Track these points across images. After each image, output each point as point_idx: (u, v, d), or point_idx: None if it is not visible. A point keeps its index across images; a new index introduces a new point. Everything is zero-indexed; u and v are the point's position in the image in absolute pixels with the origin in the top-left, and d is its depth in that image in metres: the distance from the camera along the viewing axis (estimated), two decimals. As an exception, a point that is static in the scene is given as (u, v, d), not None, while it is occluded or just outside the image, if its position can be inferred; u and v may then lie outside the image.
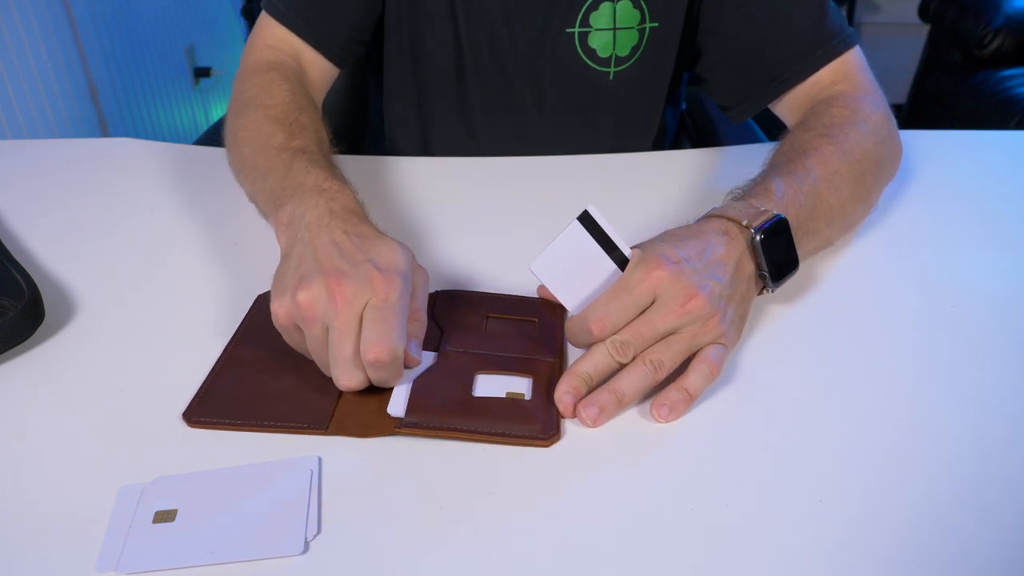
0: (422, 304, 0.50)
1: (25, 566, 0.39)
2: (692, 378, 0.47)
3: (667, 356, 0.47)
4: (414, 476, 0.44)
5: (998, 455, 0.45)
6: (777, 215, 0.52)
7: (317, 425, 0.46)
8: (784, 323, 0.56)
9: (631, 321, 0.47)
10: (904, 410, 0.48)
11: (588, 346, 0.48)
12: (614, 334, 0.47)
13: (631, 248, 0.49)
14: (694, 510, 0.41)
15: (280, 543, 0.39)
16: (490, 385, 0.49)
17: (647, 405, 0.48)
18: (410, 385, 0.48)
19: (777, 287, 0.54)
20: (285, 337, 0.49)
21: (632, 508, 0.42)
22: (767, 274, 0.52)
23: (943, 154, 0.80)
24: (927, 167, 0.77)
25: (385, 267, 0.47)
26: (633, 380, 0.47)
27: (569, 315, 0.50)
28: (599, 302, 0.48)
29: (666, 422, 0.47)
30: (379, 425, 0.46)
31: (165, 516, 0.41)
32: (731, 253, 0.50)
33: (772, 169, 0.60)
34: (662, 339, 0.48)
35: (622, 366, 0.48)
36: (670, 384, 0.48)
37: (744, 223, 0.52)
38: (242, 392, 0.49)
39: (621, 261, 0.49)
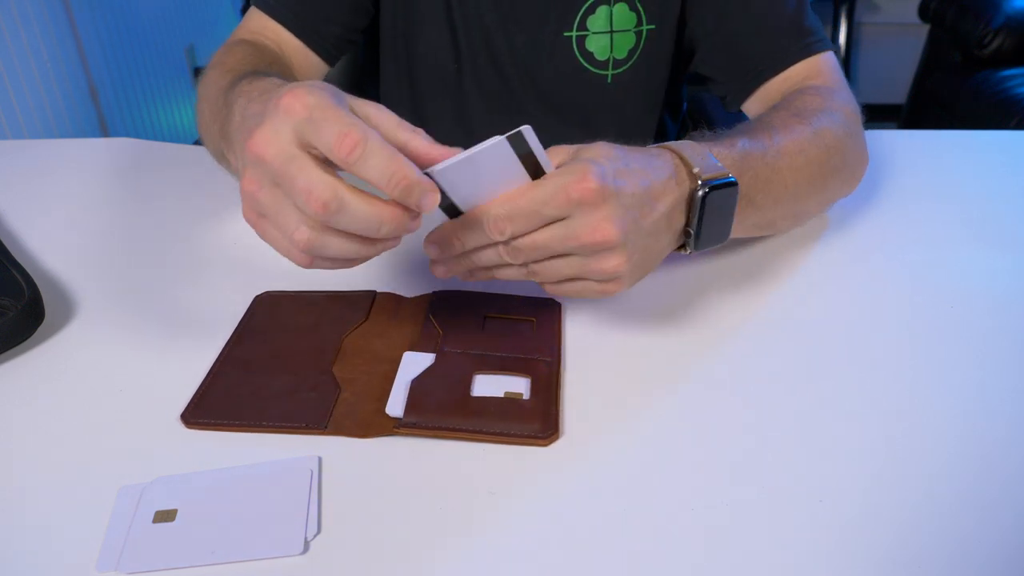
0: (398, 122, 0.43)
1: (25, 566, 0.39)
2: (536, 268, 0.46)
3: (548, 274, 0.45)
4: (414, 476, 0.44)
5: (998, 455, 0.45)
6: (731, 178, 0.48)
7: (315, 425, 0.46)
8: (783, 323, 0.56)
9: (535, 230, 0.44)
10: (904, 410, 0.48)
11: (471, 245, 0.46)
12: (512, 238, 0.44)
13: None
14: (694, 510, 0.41)
15: (280, 543, 0.39)
16: (488, 385, 0.49)
17: (647, 406, 0.48)
18: (408, 385, 0.48)
19: (696, 251, 0.50)
20: (260, 234, 0.43)
21: (632, 508, 0.42)
22: (692, 234, 0.49)
23: (943, 154, 0.80)
24: (927, 167, 0.77)
25: (288, 89, 0.39)
26: (501, 271, 0.46)
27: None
28: (506, 199, 0.43)
29: (441, 270, 0.48)
30: (378, 425, 0.46)
31: (165, 516, 0.41)
32: (668, 196, 0.46)
33: (738, 132, 0.57)
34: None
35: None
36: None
37: (695, 170, 0.47)
38: (240, 392, 0.49)
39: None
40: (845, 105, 0.65)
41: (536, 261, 0.45)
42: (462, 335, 0.53)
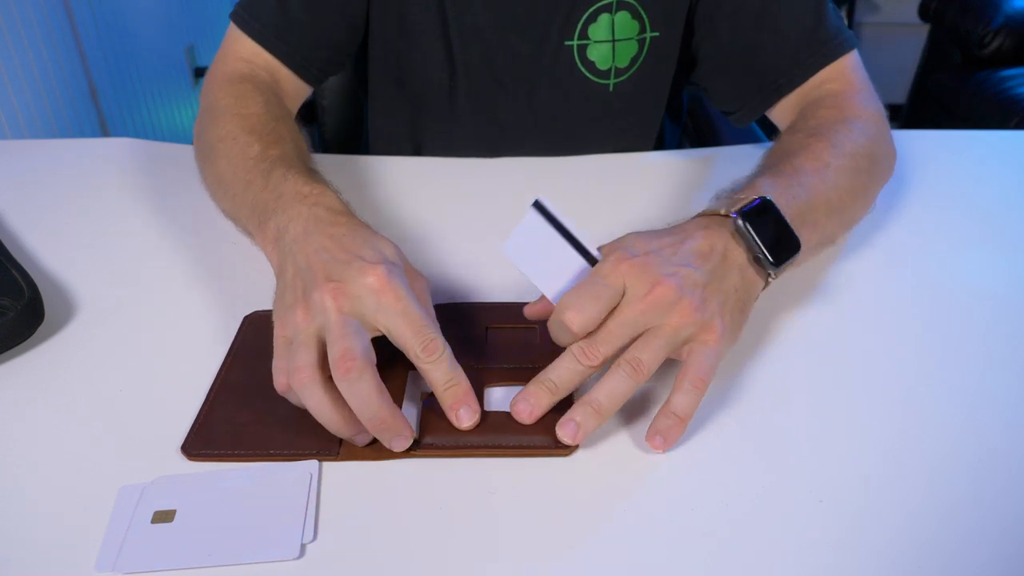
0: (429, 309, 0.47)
1: (25, 566, 0.39)
2: (677, 398, 0.44)
3: (645, 353, 0.44)
4: (412, 482, 0.43)
5: (998, 455, 0.45)
6: (758, 197, 0.50)
7: (327, 452, 0.45)
8: (784, 323, 0.56)
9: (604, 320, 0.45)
10: (904, 410, 0.48)
11: (568, 343, 0.46)
12: (588, 332, 0.45)
13: (598, 248, 0.48)
14: (694, 510, 0.41)
15: (276, 547, 0.39)
16: (501, 397, 0.48)
17: (648, 409, 0.48)
18: (419, 405, 0.47)
19: (781, 270, 0.50)
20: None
21: (631, 508, 0.42)
22: (763, 256, 0.49)
23: (943, 154, 0.80)
24: (927, 167, 0.77)
25: (373, 259, 0.46)
26: (609, 387, 0.44)
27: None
28: (571, 293, 0.45)
29: (664, 451, 0.45)
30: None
31: (164, 516, 0.41)
32: (713, 243, 0.48)
33: (759, 170, 0.58)
34: (638, 337, 0.45)
35: (595, 372, 0.45)
36: (659, 411, 0.45)
37: (723, 212, 0.50)
38: (242, 420, 0.47)
39: (592, 260, 0.48)
40: (864, 109, 0.66)
41: (620, 350, 0.45)
42: (467, 348, 0.51)
